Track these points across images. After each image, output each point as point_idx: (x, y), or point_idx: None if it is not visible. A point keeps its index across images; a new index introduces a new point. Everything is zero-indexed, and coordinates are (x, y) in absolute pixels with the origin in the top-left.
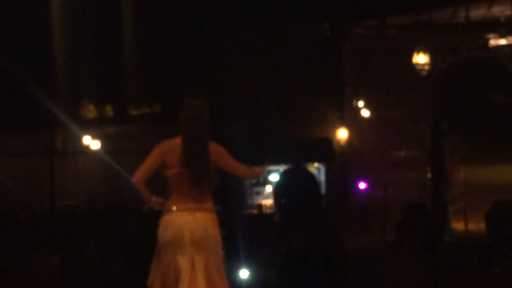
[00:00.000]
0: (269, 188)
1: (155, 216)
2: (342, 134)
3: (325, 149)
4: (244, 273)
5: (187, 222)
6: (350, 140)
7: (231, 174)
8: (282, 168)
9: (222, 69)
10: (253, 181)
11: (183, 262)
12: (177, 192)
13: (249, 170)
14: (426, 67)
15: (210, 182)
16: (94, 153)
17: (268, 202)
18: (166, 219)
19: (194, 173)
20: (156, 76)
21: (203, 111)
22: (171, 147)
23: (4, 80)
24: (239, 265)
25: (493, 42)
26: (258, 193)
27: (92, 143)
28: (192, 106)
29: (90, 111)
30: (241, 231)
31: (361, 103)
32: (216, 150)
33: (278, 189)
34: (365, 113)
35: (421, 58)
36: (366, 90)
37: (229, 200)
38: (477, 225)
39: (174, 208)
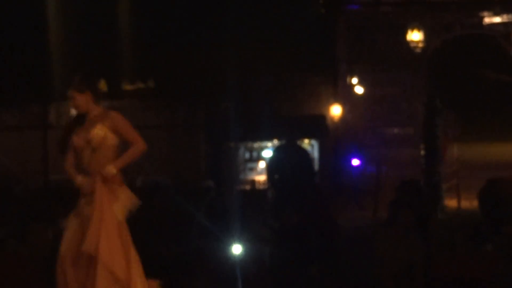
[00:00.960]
0: (262, 164)
1: (147, 191)
2: (335, 110)
3: (318, 126)
4: (237, 249)
5: None
6: (343, 117)
7: (224, 149)
8: (275, 144)
9: (214, 46)
10: (246, 156)
11: None
12: None
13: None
14: (420, 45)
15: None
16: None
17: (261, 178)
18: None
19: None
20: (150, 51)
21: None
22: None
23: None
24: (232, 240)
25: (487, 20)
26: (251, 169)
27: None
28: None
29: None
30: (234, 207)
31: (355, 80)
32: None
33: (271, 165)
34: (359, 90)
35: (415, 35)
36: (360, 67)
37: (222, 176)
38: (470, 203)
39: None
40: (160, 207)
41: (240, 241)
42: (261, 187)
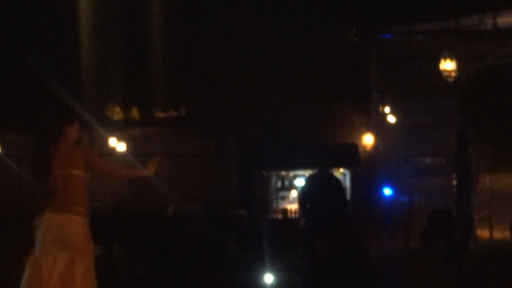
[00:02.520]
0: (294, 193)
1: (180, 219)
2: (368, 139)
3: (350, 155)
4: (268, 278)
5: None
6: (376, 146)
7: (256, 178)
8: (307, 173)
9: (248, 73)
10: (278, 185)
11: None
12: None
13: (132, 170)
14: (453, 74)
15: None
16: (120, 155)
17: (293, 207)
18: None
19: None
20: (183, 80)
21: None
22: None
23: (31, 81)
24: (263, 269)
25: None
26: (283, 198)
27: (118, 145)
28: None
29: (116, 113)
30: (266, 236)
31: (387, 109)
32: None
33: (304, 194)
34: (391, 119)
35: (448, 65)
36: (393, 96)
37: (254, 204)
38: (502, 233)
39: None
40: (192, 236)
41: (272, 270)
42: (293, 216)
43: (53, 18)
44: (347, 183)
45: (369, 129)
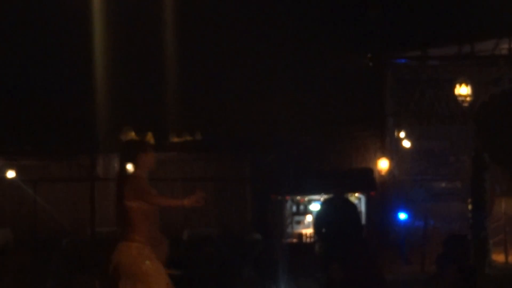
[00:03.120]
0: (309, 218)
1: (195, 243)
2: (383, 164)
3: (366, 179)
4: None
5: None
6: (391, 171)
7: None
8: (322, 197)
9: (264, 98)
10: (294, 210)
11: None
12: None
13: (170, 200)
14: (468, 99)
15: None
16: None
17: (308, 231)
18: None
19: None
20: (198, 104)
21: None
22: None
23: (46, 105)
24: None
25: None
26: (299, 222)
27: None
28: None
29: (131, 138)
30: (281, 260)
31: (402, 134)
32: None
33: (319, 218)
34: (406, 143)
35: (463, 90)
36: (408, 121)
37: (269, 229)
38: None
39: None
40: (208, 260)
41: None
42: (308, 240)
43: (68, 42)
44: (362, 207)
45: (384, 153)
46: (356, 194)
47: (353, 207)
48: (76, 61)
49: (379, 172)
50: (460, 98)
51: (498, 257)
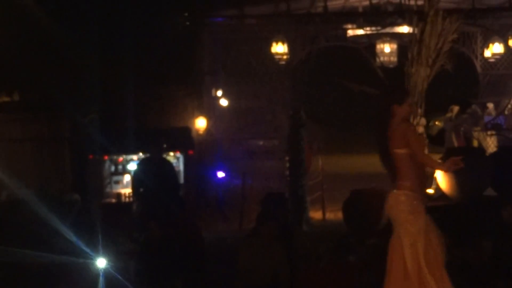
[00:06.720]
0: (127, 177)
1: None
2: (200, 123)
3: (183, 138)
4: (101, 262)
5: None
6: (208, 129)
7: (89, 162)
8: (140, 157)
9: (81, 58)
10: (112, 170)
11: None
12: None
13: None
14: (284, 57)
15: None
16: None
17: (127, 191)
18: None
19: None
20: (14, 64)
21: None
22: None
23: None
24: (96, 254)
25: (351, 32)
26: (117, 182)
27: None
28: None
29: None
30: (99, 220)
31: (219, 92)
32: None
33: (136, 178)
34: (224, 102)
35: (279, 48)
36: (225, 80)
37: (88, 189)
38: (335, 214)
39: None
40: (24, 221)
41: (105, 254)
42: (127, 200)
43: None
44: (181, 166)
45: (202, 112)
46: (174, 153)
47: (170, 166)
48: None
49: (197, 131)
50: (277, 56)
51: (316, 214)
